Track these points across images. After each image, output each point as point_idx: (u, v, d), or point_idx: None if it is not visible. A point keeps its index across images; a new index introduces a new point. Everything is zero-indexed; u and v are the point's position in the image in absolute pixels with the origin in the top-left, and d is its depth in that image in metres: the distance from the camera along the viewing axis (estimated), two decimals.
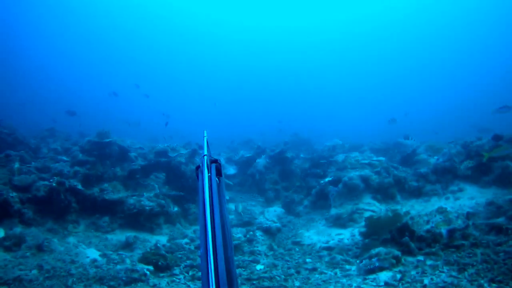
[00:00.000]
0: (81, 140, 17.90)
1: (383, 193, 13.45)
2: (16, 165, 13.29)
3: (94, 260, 9.84)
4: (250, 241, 11.62)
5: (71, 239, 11.14)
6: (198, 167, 2.52)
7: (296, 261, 9.82)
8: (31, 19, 70.69)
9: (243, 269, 9.48)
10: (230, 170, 19.00)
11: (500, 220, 9.54)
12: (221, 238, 1.85)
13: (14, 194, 11.47)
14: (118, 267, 9.34)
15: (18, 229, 10.23)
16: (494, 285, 6.78)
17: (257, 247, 11.22)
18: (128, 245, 11.22)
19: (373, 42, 78.25)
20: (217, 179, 2.44)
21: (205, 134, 3.20)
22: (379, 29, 76.84)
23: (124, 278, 8.65)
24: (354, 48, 79.54)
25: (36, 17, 70.74)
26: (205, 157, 2.59)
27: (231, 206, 16.02)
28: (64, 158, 15.93)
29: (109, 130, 16.19)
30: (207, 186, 2.24)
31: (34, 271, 8.70)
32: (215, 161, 2.59)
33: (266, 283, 8.50)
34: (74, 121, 25.83)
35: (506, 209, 10.07)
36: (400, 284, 7.41)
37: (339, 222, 12.25)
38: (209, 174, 2.40)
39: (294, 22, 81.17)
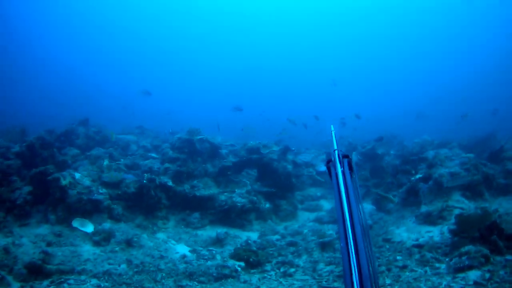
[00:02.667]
0: (171, 137, 17.94)
1: (472, 190, 12.86)
2: (105, 162, 13.38)
3: (184, 256, 9.77)
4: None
5: (161, 235, 11.12)
6: (329, 161, 2.56)
7: (387, 258, 9.45)
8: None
9: (335, 266, 9.23)
10: (322, 167, 18.61)
11: None
12: (361, 233, 1.78)
13: (104, 190, 11.55)
14: (209, 263, 9.27)
15: (107, 225, 10.31)
16: None
17: None
18: (218, 241, 11.04)
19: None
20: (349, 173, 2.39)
21: (333, 129, 3.25)
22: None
23: (214, 274, 8.51)
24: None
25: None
26: (336, 151, 2.59)
27: (323, 203, 15.63)
28: (154, 155, 16.00)
29: (200, 128, 16.13)
30: (342, 180, 2.22)
31: (123, 266, 8.71)
32: (346, 156, 2.56)
33: None
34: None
35: None
36: (489, 283, 7.05)
37: (429, 219, 11.74)
38: (342, 169, 2.37)
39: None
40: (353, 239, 1.70)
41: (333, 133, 3.13)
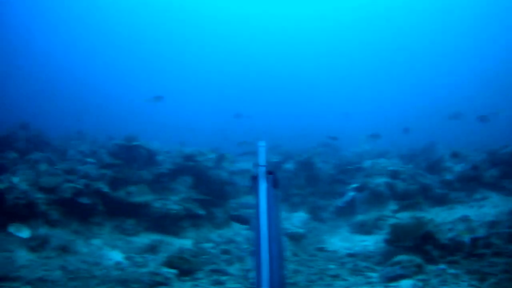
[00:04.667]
0: (108, 142, 17.94)
1: (408, 200, 13.21)
2: (43, 166, 13.36)
3: (118, 263, 9.86)
4: None
5: (96, 241, 11.16)
6: (254, 177, 2.55)
7: (320, 267, 9.66)
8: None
9: None
10: None
11: None
12: (276, 250, 1.85)
13: (40, 195, 11.51)
14: (142, 270, 9.35)
15: (43, 230, 10.30)
16: None
17: None
18: (152, 248, 11.19)
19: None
20: (273, 190, 2.46)
21: (260, 144, 3.18)
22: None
23: (147, 281, 8.58)
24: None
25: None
26: (261, 167, 2.62)
27: None
28: (91, 160, 16.01)
29: (137, 134, 16.24)
30: (263, 197, 2.28)
31: (58, 272, 8.73)
32: (271, 172, 2.58)
33: None
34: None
35: None
36: None
37: (364, 228, 12.14)
38: (266, 185, 2.42)
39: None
40: (269, 257, 1.79)
41: (262, 148, 3.10)
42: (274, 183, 2.51)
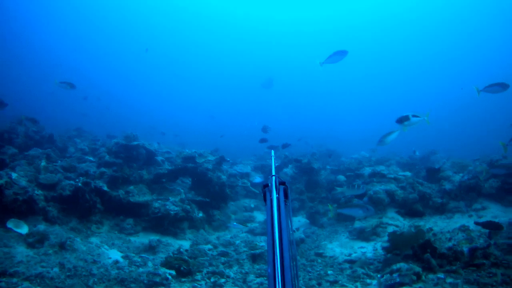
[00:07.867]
0: (108, 141, 17.90)
1: (407, 208, 13.25)
2: (43, 163, 13.32)
3: (116, 262, 9.78)
4: None
5: (94, 240, 11.11)
6: (265, 186, 2.57)
7: (318, 272, 9.64)
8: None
9: (265, 278, 9.25)
10: (257, 178, 18.88)
11: None
12: (288, 259, 1.83)
13: (40, 192, 11.45)
14: (140, 270, 9.30)
15: (42, 227, 10.20)
16: None
17: None
18: (151, 248, 11.12)
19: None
20: (284, 201, 2.43)
21: (273, 154, 3.40)
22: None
23: (145, 281, 8.55)
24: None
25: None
26: (274, 177, 2.59)
27: (256, 214, 15.91)
28: (91, 158, 15.98)
29: (137, 134, 16.19)
30: (275, 207, 2.25)
31: (56, 269, 8.64)
32: (283, 183, 2.58)
33: None
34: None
35: None
36: None
37: (363, 235, 12.11)
38: (277, 196, 2.39)
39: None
40: (280, 267, 1.76)
41: (272, 158, 3.23)
42: (285, 194, 2.50)
